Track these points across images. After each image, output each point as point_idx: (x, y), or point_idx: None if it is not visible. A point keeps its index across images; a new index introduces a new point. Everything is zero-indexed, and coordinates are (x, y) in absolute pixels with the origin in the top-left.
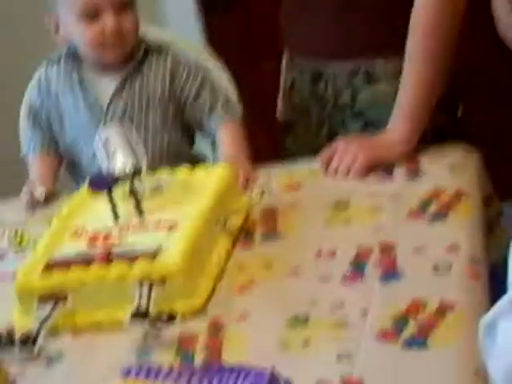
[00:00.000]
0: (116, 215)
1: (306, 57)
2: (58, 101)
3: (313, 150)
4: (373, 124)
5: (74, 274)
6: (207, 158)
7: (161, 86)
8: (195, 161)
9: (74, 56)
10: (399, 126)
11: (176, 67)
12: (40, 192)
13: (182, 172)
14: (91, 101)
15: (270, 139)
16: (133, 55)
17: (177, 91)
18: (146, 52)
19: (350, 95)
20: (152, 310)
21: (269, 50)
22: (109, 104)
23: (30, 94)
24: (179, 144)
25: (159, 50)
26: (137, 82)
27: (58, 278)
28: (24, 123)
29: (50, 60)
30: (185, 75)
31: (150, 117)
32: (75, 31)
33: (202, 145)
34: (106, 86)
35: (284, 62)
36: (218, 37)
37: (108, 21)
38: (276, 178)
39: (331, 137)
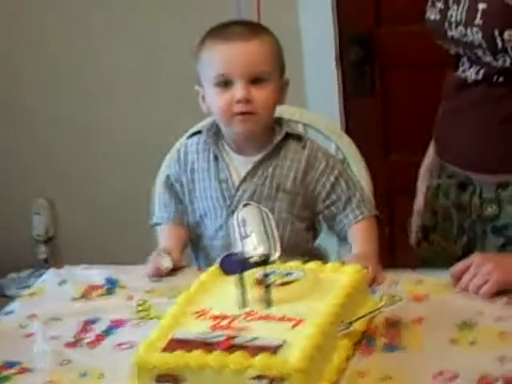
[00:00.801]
0: (244, 301)
1: (456, 164)
2: (193, 174)
3: (448, 258)
4: None
5: (195, 358)
6: (327, 254)
7: (293, 176)
8: (313, 256)
9: (215, 131)
10: None
11: (313, 159)
12: (167, 262)
13: (313, 266)
14: (223, 178)
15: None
16: (270, 138)
17: (310, 183)
18: (285, 138)
19: (496, 209)
20: None
21: (403, 143)
22: (239, 184)
23: (169, 164)
24: (301, 236)
25: (299, 137)
26: (271, 167)
27: (178, 360)
28: (160, 191)
29: (193, 132)
30: (321, 168)
31: (276, 203)
32: (211, 100)
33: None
34: (240, 165)
35: (430, 163)
36: (355, 124)
37: (238, 90)
38: (405, 285)
39: (469, 248)
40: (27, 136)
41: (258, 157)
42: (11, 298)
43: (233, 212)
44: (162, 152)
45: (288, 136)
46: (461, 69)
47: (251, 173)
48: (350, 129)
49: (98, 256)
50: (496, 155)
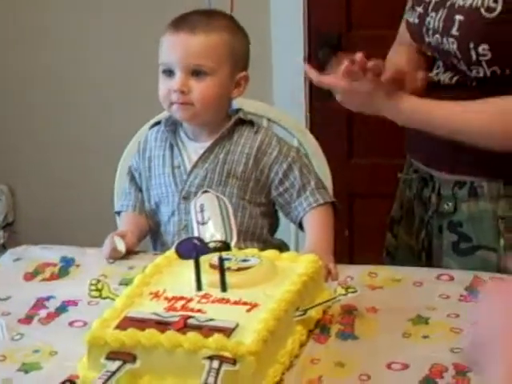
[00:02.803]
0: (199, 285)
1: (419, 160)
2: (150, 161)
3: (409, 252)
4: (466, 239)
5: (148, 336)
6: (286, 246)
7: (245, 161)
8: (271, 244)
9: (173, 120)
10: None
11: (266, 145)
12: (120, 244)
13: (270, 254)
14: (177, 164)
15: None
16: (224, 125)
17: (264, 170)
18: (240, 124)
19: (452, 206)
20: None
21: (366, 147)
22: (191, 170)
23: (131, 154)
24: (255, 222)
25: (251, 124)
26: (222, 153)
27: (130, 337)
28: (123, 179)
29: (154, 122)
30: (274, 155)
31: (227, 189)
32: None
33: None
34: (193, 151)
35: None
36: (320, 125)
37: (175, 81)
38: (360, 277)
39: (429, 242)
40: None
41: (210, 142)
42: None
43: (184, 198)
44: (124, 141)
45: (242, 123)
46: (435, 71)
47: (203, 158)
48: (314, 129)
49: (57, 244)
50: (455, 155)
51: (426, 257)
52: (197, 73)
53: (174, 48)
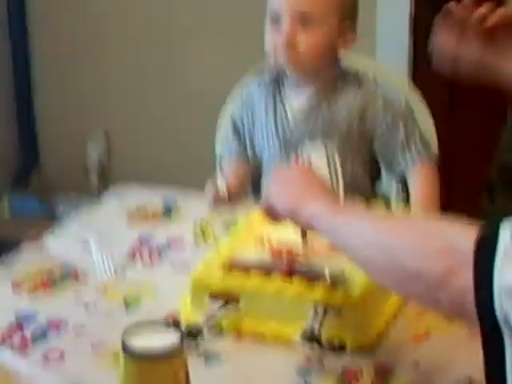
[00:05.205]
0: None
1: None
2: (254, 112)
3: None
4: None
5: (253, 280)
6: (390, 199)
7: (348, 114)
8: (376, 199)
9: (276, 73)
10: None
11: (370, 98)
12: (221, 185)
13: (379, 208)
14: (279, 115)
15: None
16: (328, 76)
17: (366, 123)
18: (343, 76)
19: None
20: (323, 335)
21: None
22: (293, 122)
23: (233, 104)
24: (359, 178)
25: (355, 77)
26: (325, 105)
27: (235, 280)
28: (225, 128)
29: (257, 74)
30: (377, 108)
31: (329, 141)
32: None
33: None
34: (296, 102)
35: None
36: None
37: (282, 29)
38: None
39: None
40: (90, 67)
41: (313, 94)
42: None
43: (286, 149)
44: (226, 86)
45: (345, 75)
46: None
47: (305, 111)
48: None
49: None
50: None
51: None
52: (304, 21)
53: None
